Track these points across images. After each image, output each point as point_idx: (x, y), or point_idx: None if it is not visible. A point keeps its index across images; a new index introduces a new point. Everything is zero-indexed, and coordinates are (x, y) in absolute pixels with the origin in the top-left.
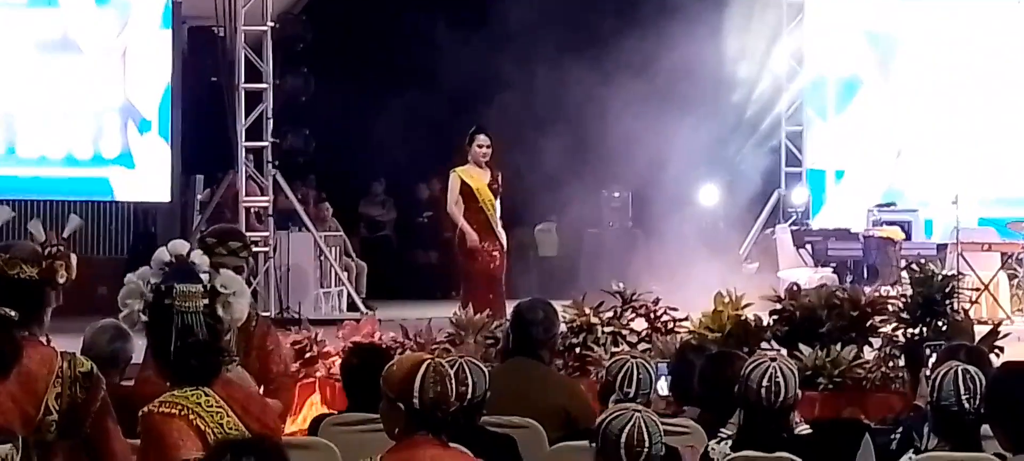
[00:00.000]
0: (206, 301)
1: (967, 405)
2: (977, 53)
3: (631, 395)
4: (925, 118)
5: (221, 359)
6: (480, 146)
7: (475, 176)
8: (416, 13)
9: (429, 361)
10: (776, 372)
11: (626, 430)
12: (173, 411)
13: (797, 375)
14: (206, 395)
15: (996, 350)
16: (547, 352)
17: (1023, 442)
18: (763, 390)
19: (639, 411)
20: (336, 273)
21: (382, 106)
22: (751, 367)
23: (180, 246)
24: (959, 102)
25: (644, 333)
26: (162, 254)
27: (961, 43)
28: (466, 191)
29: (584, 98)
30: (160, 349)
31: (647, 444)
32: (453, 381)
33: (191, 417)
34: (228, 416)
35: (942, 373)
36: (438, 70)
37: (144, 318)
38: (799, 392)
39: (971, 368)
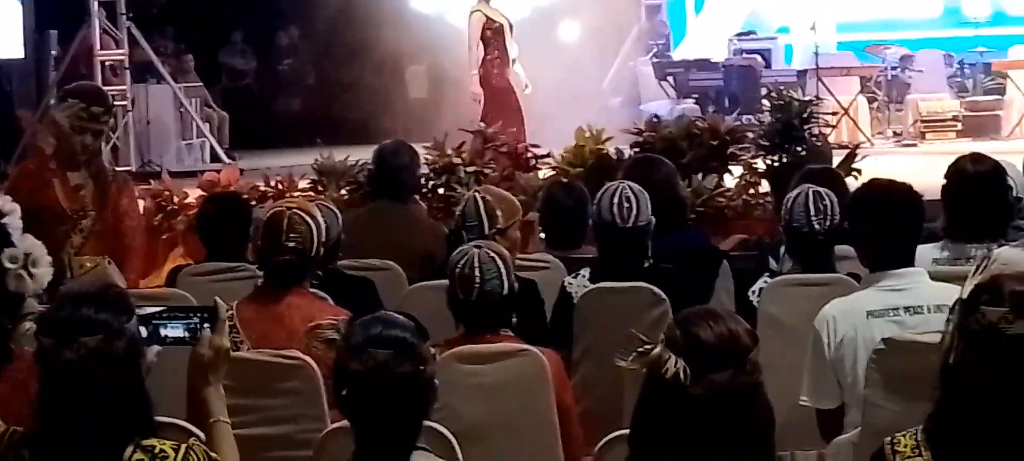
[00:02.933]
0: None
1: (817, 226)
2: None
3: (477, 230)
4: None
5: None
6: None
7: (498, 14)
8: None
9: (272, 212)
10: (627, 190)
11: (460, 264)
12: None
13: (649, 199)
14: None
15: (854, 173)
16: (409, 192)
17: (878, 258)
18: (615, 209)
19: (480, 247)
20: (197, 125)
21: None
22: (602, 192)
23: None
24: None
25: (506, 171)
26: None
27: None
28: (494, 28)
29: None
30: None
31: (478, 278)
32: (290, 229)
33: None
34: None
35: (793, 196)
36: None
37: None
38: (652, 217)
39: (822, 190)
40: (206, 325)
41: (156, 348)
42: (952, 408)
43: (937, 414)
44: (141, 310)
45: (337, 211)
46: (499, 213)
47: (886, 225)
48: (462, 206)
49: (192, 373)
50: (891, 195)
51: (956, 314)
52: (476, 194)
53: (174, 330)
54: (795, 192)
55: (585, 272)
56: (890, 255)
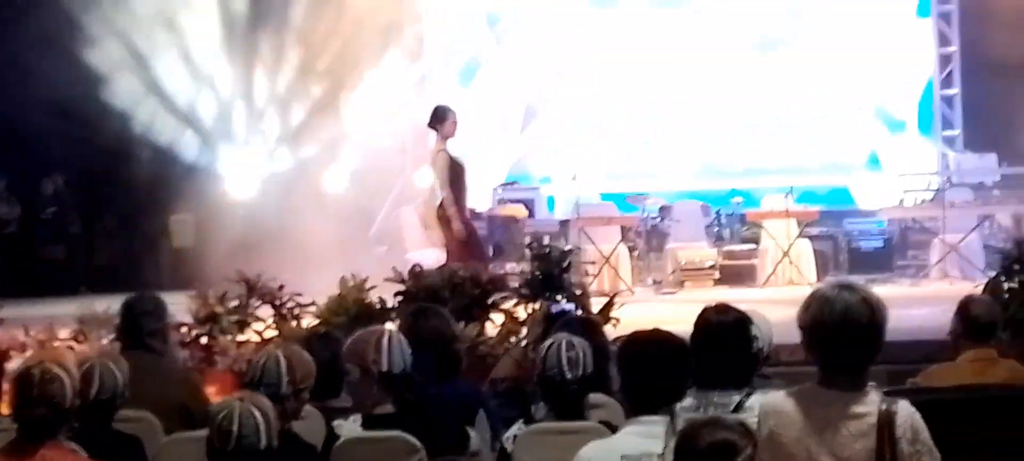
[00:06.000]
0: None
1: (569, 375)
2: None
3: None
4: (545, 96)
5: None
6: (455, 123)
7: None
8: None
9: (23, 367)
10: (393, 335)
11: (219, 416)
12: None
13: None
14: None
15: (612, 320)
16: (159, 342)
17: (639, 404)
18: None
19: (243, 400)
20: None
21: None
22: (353, 339)
23: None
24: (577, 81)
25: (270, 320)
26: None
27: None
28: (457, 169)
29: None
30: None
31: (234, 432)
32: (42, 383)
33: None
34: None
35: (548, 345)
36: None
37: None
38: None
39: (575, 339)
40: None
41: None
42: None
43: None
44: None
45: (116, 369)
46: (298, 375)
47: (647, 372)
48: (261, 362)
49: None
50: (653, 343)
51: None
52: (278, 353)
53: None
54: (548, 341)
55: (356, 417)
56: (651, 400)
